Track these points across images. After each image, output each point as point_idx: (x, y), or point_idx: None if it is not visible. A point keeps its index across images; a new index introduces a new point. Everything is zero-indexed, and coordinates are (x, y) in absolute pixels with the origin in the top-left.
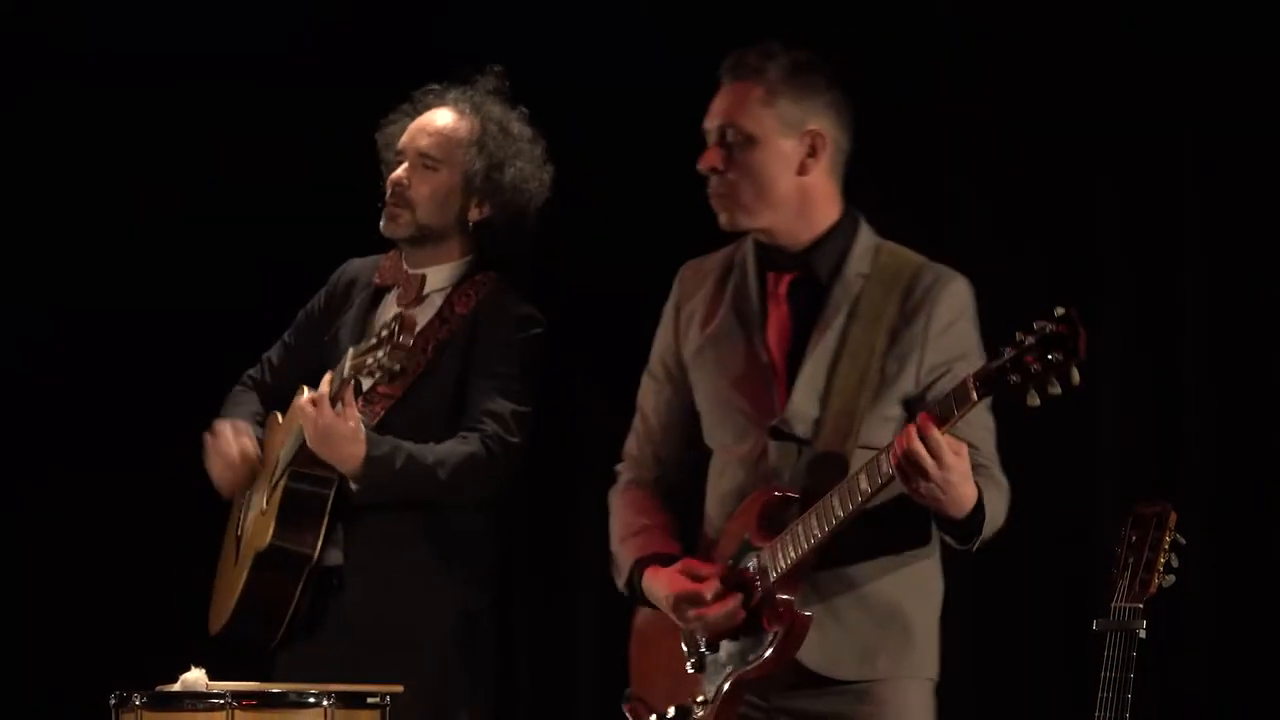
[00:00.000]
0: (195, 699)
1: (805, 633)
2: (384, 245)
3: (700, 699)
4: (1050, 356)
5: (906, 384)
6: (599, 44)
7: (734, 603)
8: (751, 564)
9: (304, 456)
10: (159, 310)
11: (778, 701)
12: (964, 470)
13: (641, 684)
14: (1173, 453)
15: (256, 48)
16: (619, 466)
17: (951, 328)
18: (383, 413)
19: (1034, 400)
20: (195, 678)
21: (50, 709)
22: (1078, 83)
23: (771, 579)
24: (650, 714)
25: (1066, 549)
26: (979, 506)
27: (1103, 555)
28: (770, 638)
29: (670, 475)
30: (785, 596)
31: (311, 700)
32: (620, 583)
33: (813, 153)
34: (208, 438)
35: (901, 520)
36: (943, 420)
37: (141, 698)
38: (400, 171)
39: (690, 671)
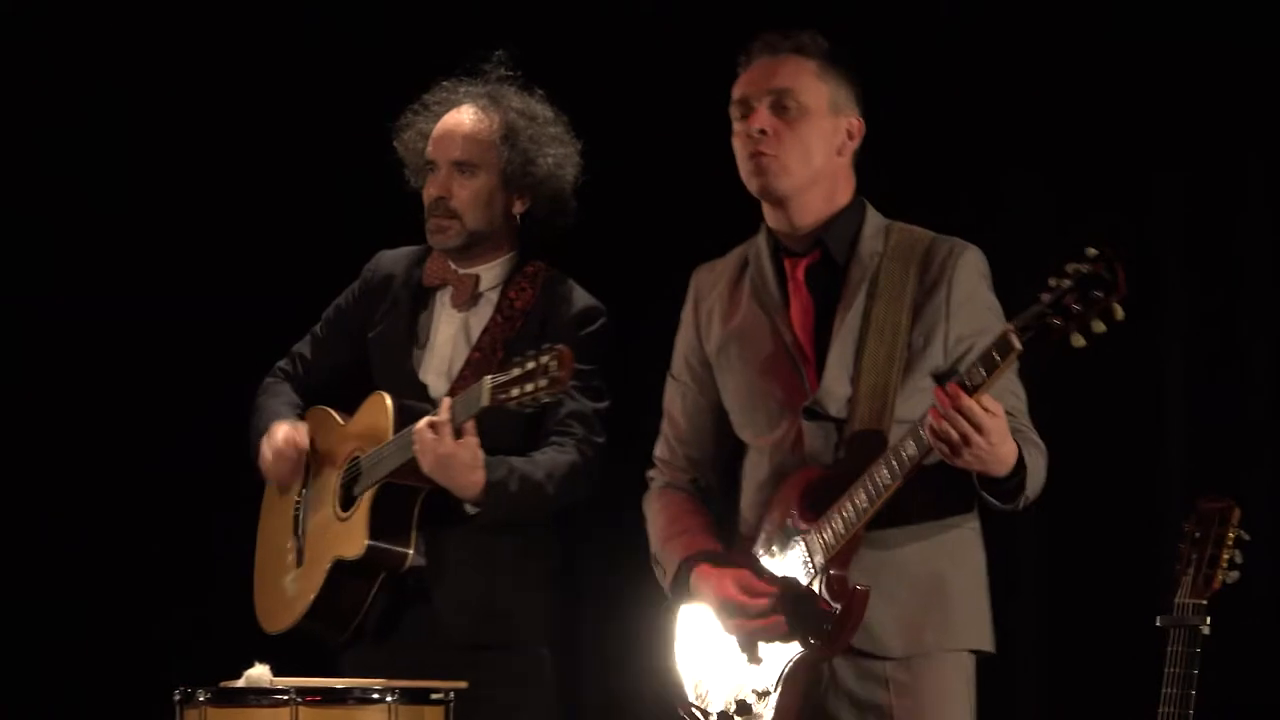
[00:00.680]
0: (259, 694)
1: (865, 606)
2: (393, 237)
3: (758, 689)
4: (1091, 294)
5: (935, 357)
6: (600, 45)
7: (777, 623)
8: (799, 548)
9: (406, 470)
10: (213, 304)
11: (831, 685)
12: (1002, 429)
13: (697, 686)
14: (1239, 449)
15: (262, 42)
16: (651, 472)
17: (972, 298)
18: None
19: (1079, 341)
20: (259, 673)
21: (116, 706)
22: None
23: (821, 558)
24: (706, 716)
25: (1132, 544)
26: (1020, 464)
27: (1168, 551)
28: (830, 616)
29: (704, 476)
30: (839, 573)
31: (375, 696)
32: (665, 583)
33: (850, 137)
34: (264, 438)
35: (944, 486)
36: (972, 388)
37: (206, 694)
38: (438, 184)
39: (746, 664)
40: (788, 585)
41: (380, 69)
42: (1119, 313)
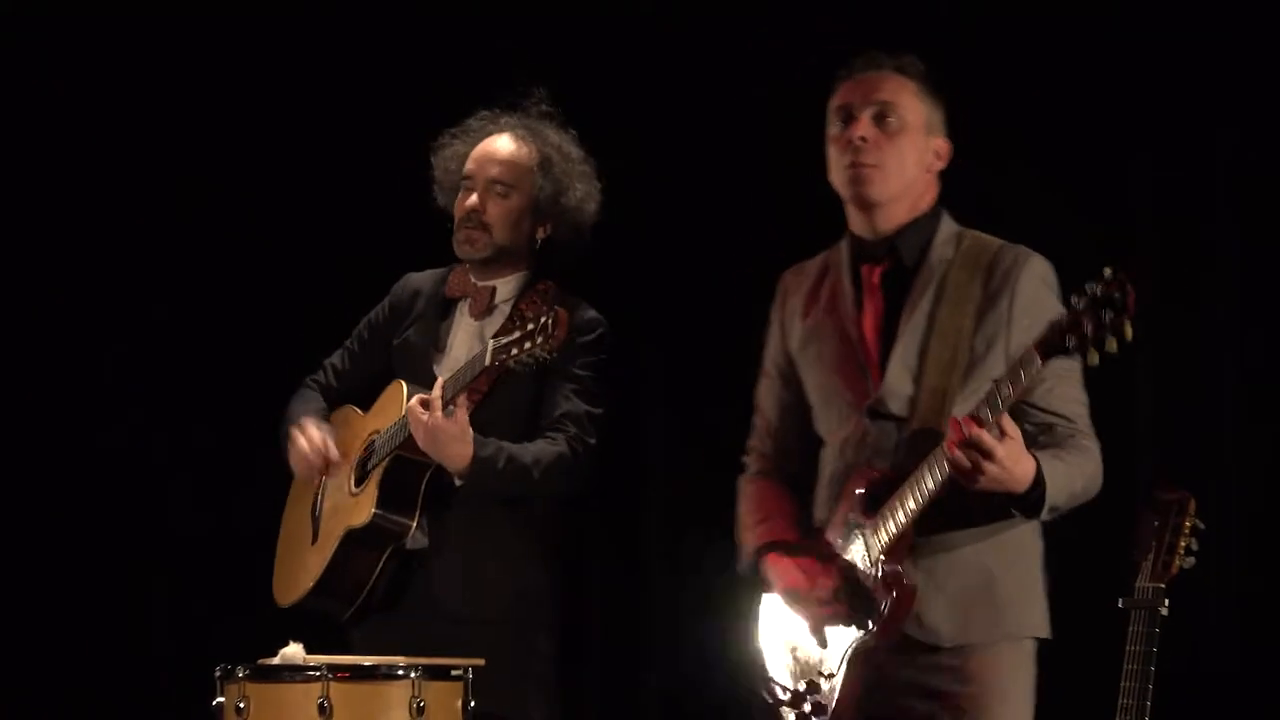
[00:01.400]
0: (293, 671)
1: (912, 600)
2: (416, 261)
3: (826, 672)
4: (1103, 315)
5: (995, 363)
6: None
7: (837, 610)
8: (858, 543)
9: (409, 445)
10: (251, 296)
11: (888, 673)
12: (1017, 451)
13: (774, 664)
14: (1198, 443)
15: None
16: (745, 458)
17: (1033, 306)
18: (471, 408)
19: (1093, 359)
20: (294, 652)
21: (160, 682)
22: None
23: (876, 553)
24: (784, 692)
25: (1095, 531)
26: (1039, 479)
27: (1126, 539)
28: (880, 608)
29: (791, 465)
30: (891, 569)
31: (400, 673)
32: (743, 566)
33: (937, 157)
34: (292, 431)
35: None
36: (980, 422)
37: (244, 670)
38: (474, 198)
39: (816, 648)
40: (848, 573)
41: (414, 99)
42: (1129, 332)
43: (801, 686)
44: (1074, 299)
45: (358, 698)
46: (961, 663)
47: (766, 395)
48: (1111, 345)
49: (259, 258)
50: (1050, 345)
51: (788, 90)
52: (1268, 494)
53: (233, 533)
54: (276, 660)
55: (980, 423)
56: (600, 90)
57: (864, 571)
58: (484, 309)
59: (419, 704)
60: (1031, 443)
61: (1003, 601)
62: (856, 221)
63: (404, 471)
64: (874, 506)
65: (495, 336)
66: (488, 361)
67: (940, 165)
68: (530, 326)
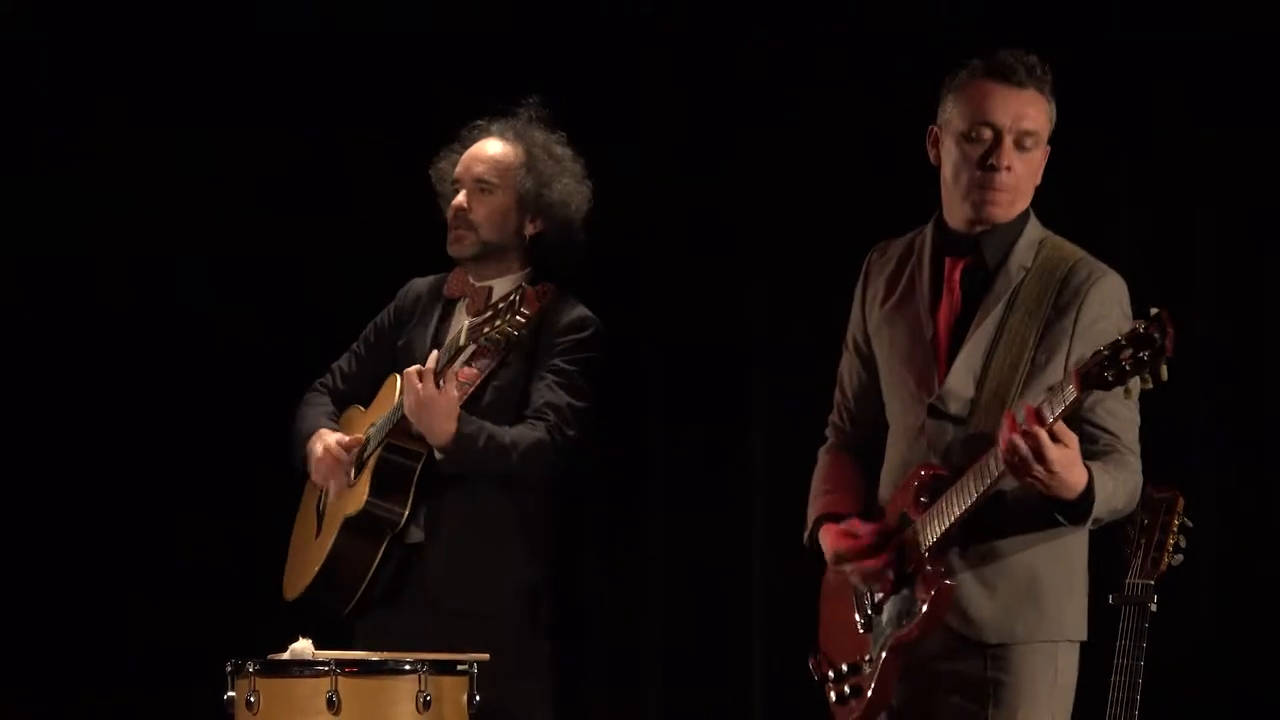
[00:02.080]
0: (303, 666)
1: (950, 600)
2: (421, 266)
3: (868, 658)
4: (1141, 354)
5: (1054, 375)
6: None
7: (882, 561)
8: (910, 533)
9: (399, 430)
10: (259, 293)
11: (931, 665)
12: (1070, 458)
13: (826, 640)
14: (1185, 443)
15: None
16: (827, 430)
17: (1098, 323)
18: (464, 397)
19: (1130, 396)
20: (303, 647)
21: (172, 676)
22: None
23: (923, 550)
24: (830, 669)
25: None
26: (1089, 489)
27: (1116, 537)
28: (920, 604)
29: (868, 438)
30: (933, 568)
31: (407, 668)
32: (805, 536)
33: (1044, 160)
34: (309, 445)
35: (1044, 498)
36: (1042, 418)
37: (255, 665)
38: (460, 198)
39: (861, 632)
40: (899, 537)
41: (420, 103)
42: (1164, 373)
43: (845, 668)
44: (1118, 334)
45: (366, 692)
46: (1004, 657)
47: (846, 370)
48: (1147, 384)
49: (267, 260)
50: (1089, 376)
51: (790, 89)
52: (1254, 490)
53: (244, 528)
54: (286, 655)
55: (1041, 420)
56: (600, 89)
57: (913, 552)
58: (482, 308)
59: (425, 698)
60: None
61: (1048, 603)
62: (954, 213)
63: (396, 462)
64: (926, 504)
65: (470, 318)
66: (462, 341)
67: (1043, 167)
68: (501, 306)
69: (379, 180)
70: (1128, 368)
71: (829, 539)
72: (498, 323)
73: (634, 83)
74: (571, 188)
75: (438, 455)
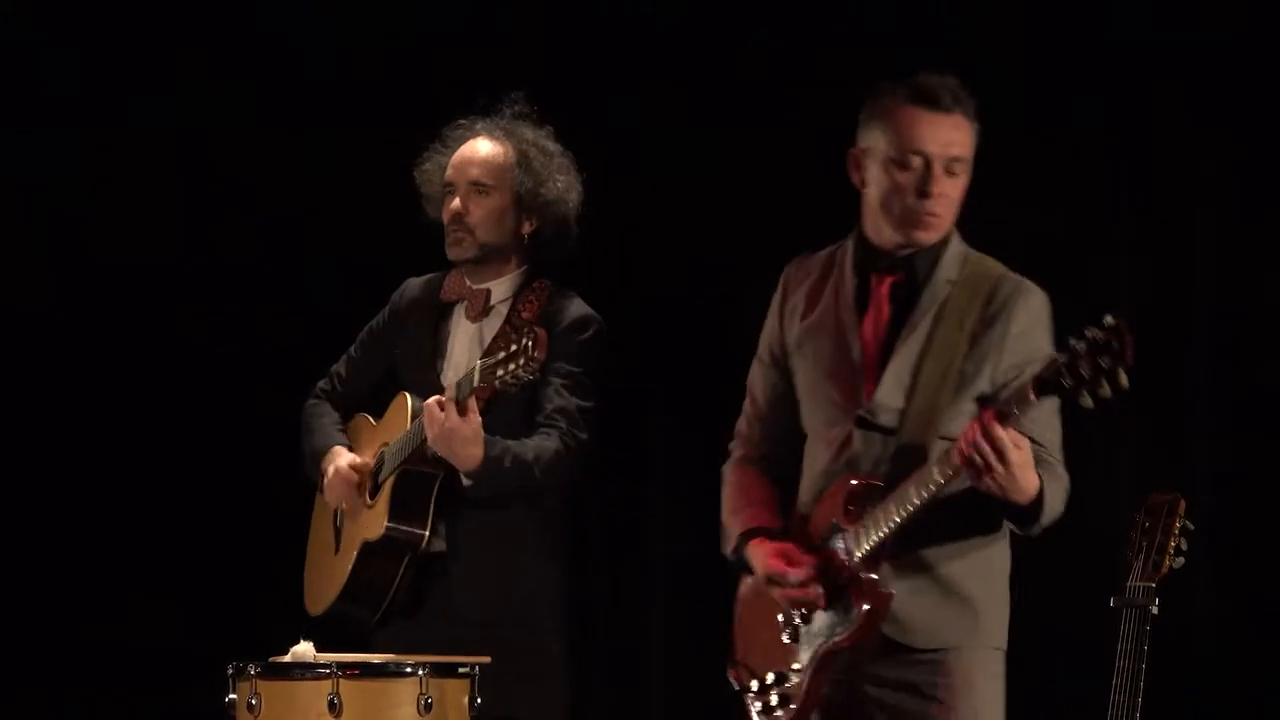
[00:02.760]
0: (304, 669)
1: (888, 609)
2: (418, 266)
3: (795, 666)
4: (1100, 362)
5: (983, 384)
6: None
7: (816, 593)
8: (840, 546)
9: (417, 456)
10: (271, 306)
11: (861, 669)
12: (1025, 461)
13: (745, 650)
14: (1185, 447)
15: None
16: (732, 444)
17: (1026, 335)
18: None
19: (1087, 402)
20: (304, 649)
21: (174, 678)
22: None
23: (856, 559)
24: (752, 678)
25: (1086, 533)
26: (1040, 495)
27: (1117, 540)
28: (856, 613)
29: (777, 452)
30: (869, 576)
31: (408, 670)
32: (728, 550)
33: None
34: (324, 466)
35: (974, 508)
36: (1004, 418)
37: (256, 668)
38: (456, 202)
39: (787, 641)
40: (829, 561)
41: (413, 101)
42: (1124, 381)
43: (770, 678)
44: (1073, 341)
45: (367, 695)
46: (936, 661)
47: (759, 381)
48: (1106, 391)
49: (268, 262)
50: (1046, 384)
51: (787, 88)
52: (1255, 494)
53: (247, 531)
54: (287, 658)
55: (1004, 421)
56: (597, 87)
57: (842, 569)
58: (480, 311)
59: (426, 700)
60: None
61: (977, 611)
62: (881, 234)
63: (413, 483)
64: (857, 513)
65: (482, 358)
66: (476, 382)
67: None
68: (513, 348)
69: (379, 180)
70: (1087, 376)
71: (761, 557)
72: (511, 367)
73: (633, 83)
74: (565, 184)
75: (465, 481)
